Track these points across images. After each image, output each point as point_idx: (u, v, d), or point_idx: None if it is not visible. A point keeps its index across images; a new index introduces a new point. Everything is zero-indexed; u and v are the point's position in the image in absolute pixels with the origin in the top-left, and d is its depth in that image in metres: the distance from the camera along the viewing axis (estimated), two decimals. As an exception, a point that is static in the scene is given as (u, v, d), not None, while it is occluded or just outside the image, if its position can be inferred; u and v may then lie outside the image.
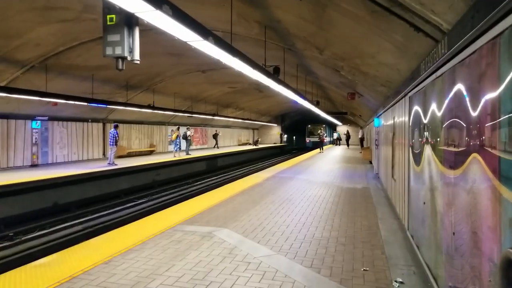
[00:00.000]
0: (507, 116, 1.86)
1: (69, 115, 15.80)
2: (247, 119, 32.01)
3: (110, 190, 13.70)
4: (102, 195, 13.26)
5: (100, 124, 18.15)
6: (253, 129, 42.81)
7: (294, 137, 51.63)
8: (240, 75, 8.50)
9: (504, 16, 1.83)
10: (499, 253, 1.92)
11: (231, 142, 35.42)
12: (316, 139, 32.15)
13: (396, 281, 3.82)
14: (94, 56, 10.90)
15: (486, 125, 2.14)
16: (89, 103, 13.21)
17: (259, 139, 39.68)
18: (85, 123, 17.19)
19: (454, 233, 2.81)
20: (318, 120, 35.15)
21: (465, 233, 2.53)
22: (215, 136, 29.38)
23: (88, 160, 17.19)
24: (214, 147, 29.14)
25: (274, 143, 43.29)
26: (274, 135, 45.11)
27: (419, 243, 4.47)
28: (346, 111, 27.64)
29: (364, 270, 4.13)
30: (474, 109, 2.36)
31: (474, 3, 2.27)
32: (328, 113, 24.15)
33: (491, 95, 2.08)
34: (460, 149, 2.66)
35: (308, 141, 40.85)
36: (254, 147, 34.80)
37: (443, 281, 3.21)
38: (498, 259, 1.92)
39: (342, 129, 40.51)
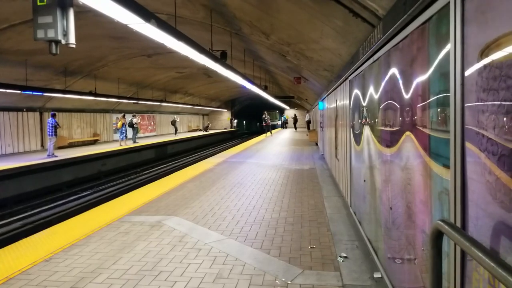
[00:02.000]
0: (435, 97, 2.00)
1: (0, 104, 14.35)
2: (197, 105, 31.44)
3: (50, 183, 12.89)
4: (42, 188, 12.44)
5: (37, 114, 16.77)
6: (203, 114, 42.20)
7: (244, 122, 52.11)
8: (187, 60, 8.25)
9: (432, 2, 1.94)
10: (431, 224, 2.09)
11: (181, 128, 34.62)
12: (273, 123, 34.98)
13: (340, 256, 4.04)
14: (27, 40, 9.93)
15: (418, 105, 2.28)
16: (23, 91, 12.14)
17: (210, 125, 39.32)
18: (20, 113, 15.79)
19: (391, 208, 3.01)
20: (267, 104, 35.99)
21: (400, 207, 2.72)
22: (173, 123, 29.42)
23: (24, 152, 15.88)
24: (175, 133, 29.37)
25: (225, 128, 43.16)
26: (224, 120, 44.92)
27: (361, 218, 4.76)
28: (293, 95, 28.30)
29: (311, 247, 4.30)
30: (407, 91, 2.50)
31: (406, -11, 2.38)
32: (276, 97, 24.52)
33: (421, 78, 2.22)
34: (395, 128, 2.83)
35: (264, 124, 45.48)
36: (205, 133, 34.42)
37: (383, 253, 3.45)
38: (430, 230, 2.10)
39: (289, 112, 41.87)
